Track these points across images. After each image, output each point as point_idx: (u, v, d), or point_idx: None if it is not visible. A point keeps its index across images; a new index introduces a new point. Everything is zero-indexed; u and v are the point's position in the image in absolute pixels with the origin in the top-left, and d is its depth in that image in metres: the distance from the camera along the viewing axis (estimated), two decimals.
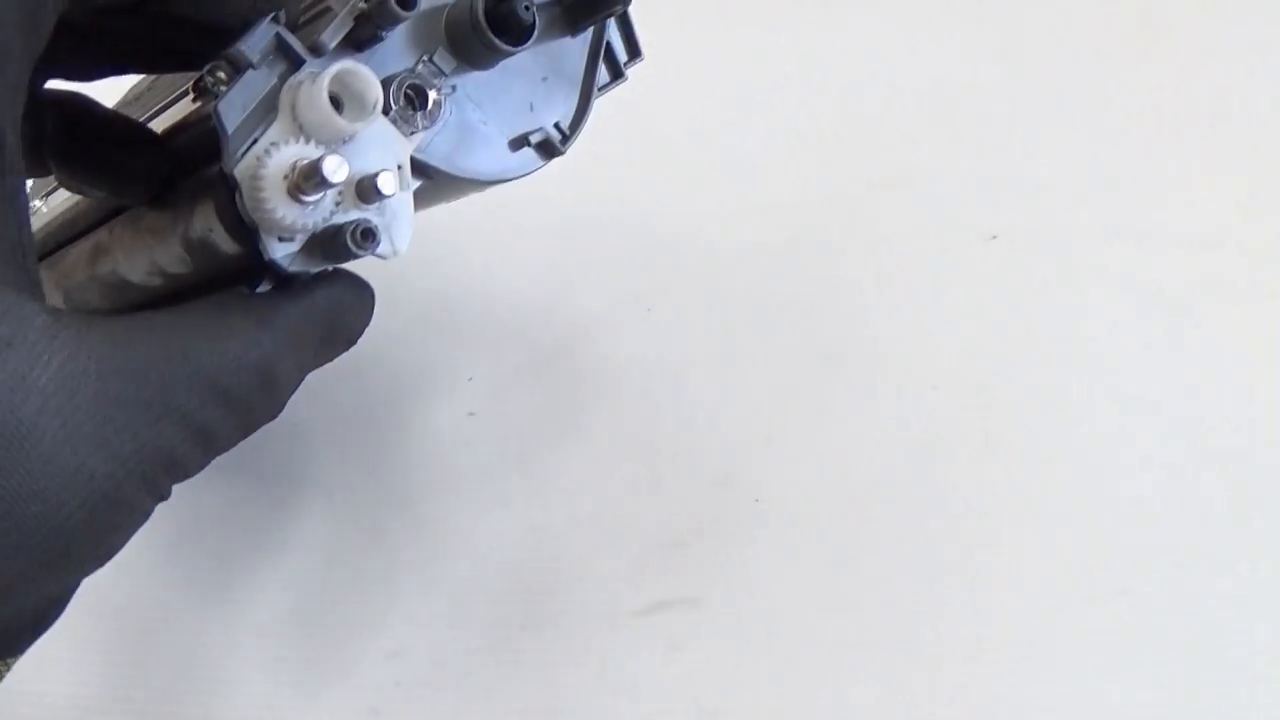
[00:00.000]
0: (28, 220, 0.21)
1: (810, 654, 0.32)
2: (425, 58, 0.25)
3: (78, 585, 0.21)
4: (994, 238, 0.40)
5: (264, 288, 0.24)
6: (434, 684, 0.34)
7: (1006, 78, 0.44)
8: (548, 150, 0.28)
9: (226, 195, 0.23)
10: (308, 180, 0.22)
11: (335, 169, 0.21)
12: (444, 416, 0.40)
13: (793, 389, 0.38)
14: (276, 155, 0.22)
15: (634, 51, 0.30)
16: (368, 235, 0.23)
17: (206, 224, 0.24)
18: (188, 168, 0.26)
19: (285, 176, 0.22)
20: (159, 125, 0.27)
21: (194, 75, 0.27)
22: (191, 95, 0.26)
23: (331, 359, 0.25)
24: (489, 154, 0.27)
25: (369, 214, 0.24)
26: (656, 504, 0.36)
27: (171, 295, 0.27)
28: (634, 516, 0.36)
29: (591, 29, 0.29)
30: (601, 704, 0.32)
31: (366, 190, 0.23)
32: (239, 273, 0.25)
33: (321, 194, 0.22)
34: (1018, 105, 0.44)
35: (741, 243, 0.41)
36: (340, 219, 0.23)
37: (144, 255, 0.26)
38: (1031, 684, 0.30)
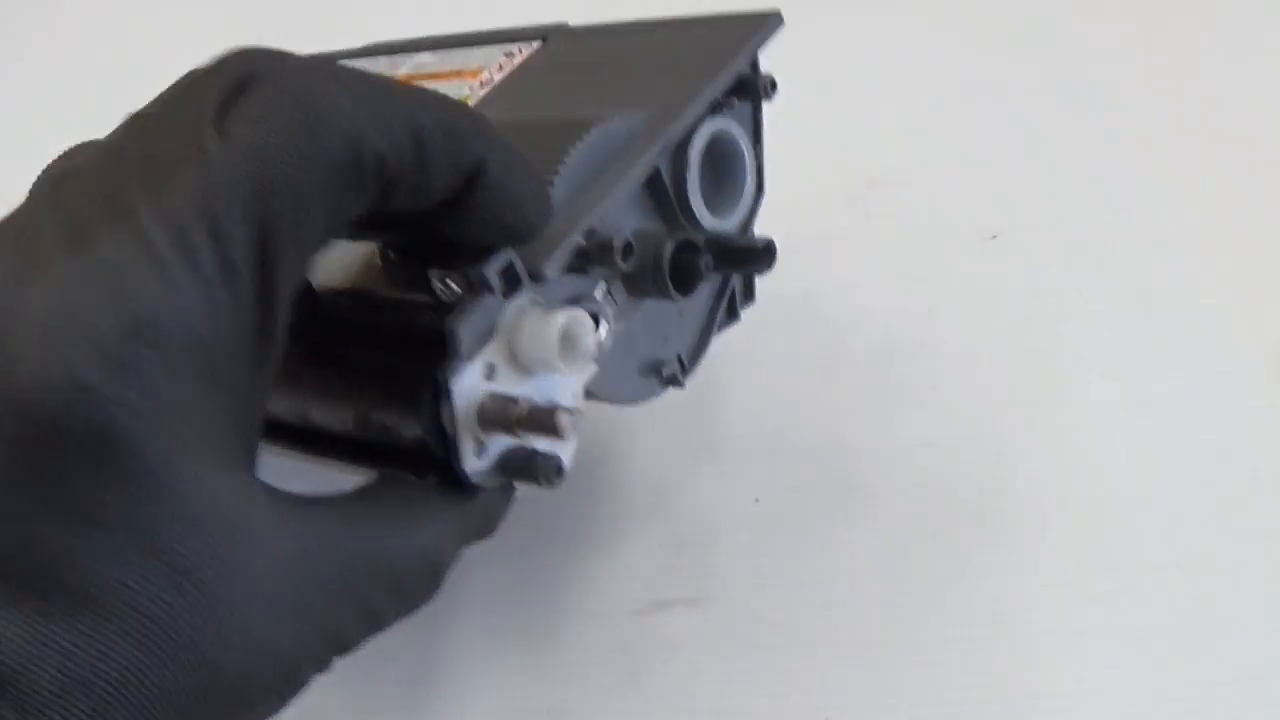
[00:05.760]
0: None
1: (809, 653, 0.32)
2: (606, 289, 0.28)
3: None
4: (994, 238, 0.41)
5: (429, 478, 0.25)
6: (432, 683, 0.34)
7: (1007, 78, 0.45)
8: (672, 381, 0.31)
9: (434, 401, 0.24)
10: (534, 425, 0.23)
11: (568, 426, 0.23)
12: None
13: (794, 389, 0.38)
14: (501, 386, 0.24)
15: (749, 295, 0.33)
16: (560, 472, 0.25)
17: (398, 416, 0.25)
18: (356, 336, 0.27)
19: (512, 413, 0.23)
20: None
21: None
22: (380, 264, 0.26)
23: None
24: (625, 377, 0.30)
25: (546, 440, 0.25)
26: (656, 503, 0.36)
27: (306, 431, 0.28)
28: (633, 516, 0.36)
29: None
30: (600, 703, 0.32)
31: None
32: (400, 450, 0.26)
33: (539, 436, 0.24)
34: (1018, 105, 0.44)
35: None
36: (527, 443, 0.25)
37: (291, 401, 0.27)
38: (1033, 682, 0.30)
